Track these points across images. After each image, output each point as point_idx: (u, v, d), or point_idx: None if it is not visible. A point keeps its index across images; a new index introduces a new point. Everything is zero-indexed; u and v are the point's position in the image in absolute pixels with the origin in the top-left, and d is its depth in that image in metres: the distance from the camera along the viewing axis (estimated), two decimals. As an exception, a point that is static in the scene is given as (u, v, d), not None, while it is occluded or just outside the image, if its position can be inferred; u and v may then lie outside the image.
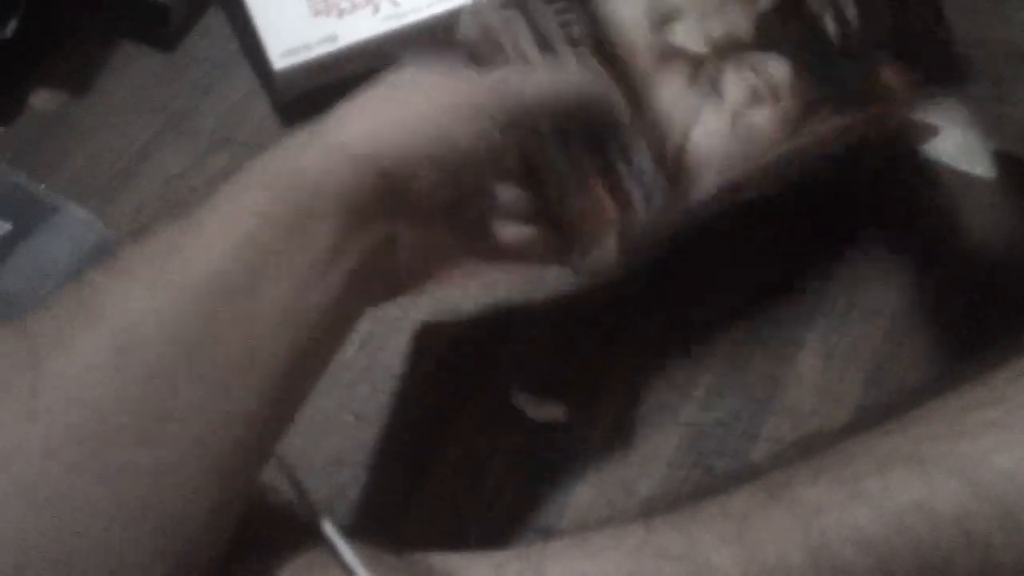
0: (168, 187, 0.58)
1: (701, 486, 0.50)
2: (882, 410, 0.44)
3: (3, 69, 0.61)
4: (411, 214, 0.41)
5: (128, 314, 0.33)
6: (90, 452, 0.32)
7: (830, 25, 0.49)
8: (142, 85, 0.62)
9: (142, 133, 0.60)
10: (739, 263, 0.56)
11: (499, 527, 0.49)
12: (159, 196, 0.58)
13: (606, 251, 0.49)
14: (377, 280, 0.41)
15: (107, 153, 0.59)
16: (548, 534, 0.49)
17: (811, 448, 0.43)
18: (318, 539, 0.38)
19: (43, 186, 0.57)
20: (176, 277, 0.35)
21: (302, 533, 0.38)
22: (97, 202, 0.57)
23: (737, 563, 0.39)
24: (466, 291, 0.55)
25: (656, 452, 0.51)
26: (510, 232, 0.49)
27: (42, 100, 0.61)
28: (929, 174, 0.59)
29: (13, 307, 0.52)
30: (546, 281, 0.55)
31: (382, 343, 0.54)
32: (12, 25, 0.60)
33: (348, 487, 0.50)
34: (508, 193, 0.49)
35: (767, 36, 0.49)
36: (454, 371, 0.53)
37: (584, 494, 0.50)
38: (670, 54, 0.48)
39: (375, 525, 0.49)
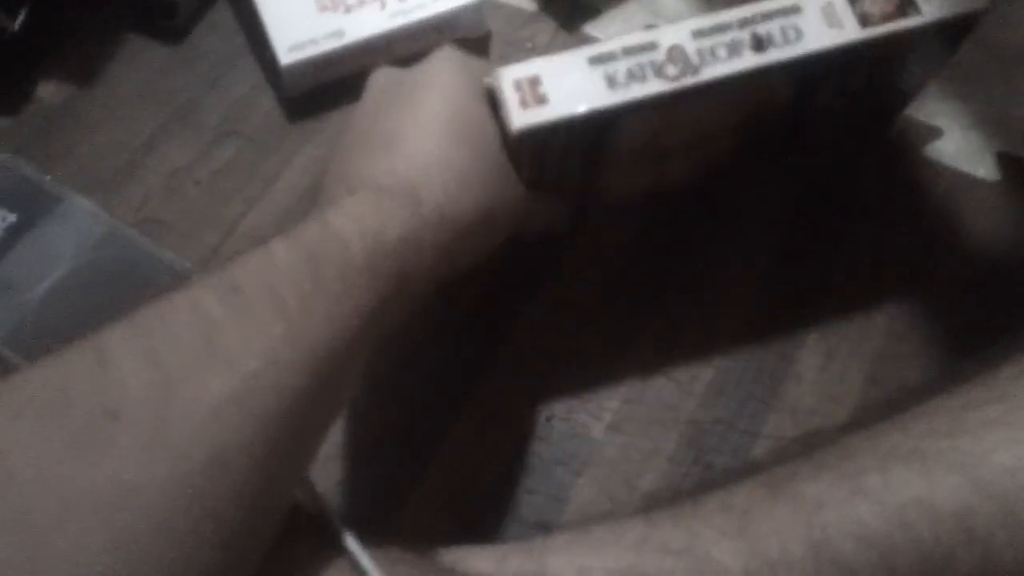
0: (173, 179, 0.59)
1: (702, 482, 0.50)
2: (883, 408, 0.44)
3: (11, 61, 0.61)
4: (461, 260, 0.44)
5: (251, 362, 0.34)
6: (208, 489, 0.33)
7: None
8: (149, 78, 0.62)
9: (148, 125, 0.60)
10: (739, 263, 0.56)
11: (499, 522, 0.49)
12: (164, 188, 0.58)
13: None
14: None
15: (113, 145, 0.59)
16: (548, 529, 0.49)
17: (812, 445, 0.43)
18: (338, 551, 0.38)
19: (49, 177, 0.57)
20: (296, 334, 0.36)
21: (321, 545, 0.38)
22: (103, 193, 0.57)
23: (738, 557, 0.39)
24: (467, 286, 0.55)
25: (657, 448, 0.51)
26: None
27: (49, 92, 0.61)
28: (931, 175, 0.59)
29: (16, 297, 0.52)
30: (545, 280, 0.55)
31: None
32: (20, 18, 0.60)
33: (347, 481, 0.50)
34: None
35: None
36: (453, 368, 0.53)
37: (585, 489, 0.50)
38: None
39: (374, 519, 0.49)
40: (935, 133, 0.60)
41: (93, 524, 0.31)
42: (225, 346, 0.34)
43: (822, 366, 0.53)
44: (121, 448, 0.32)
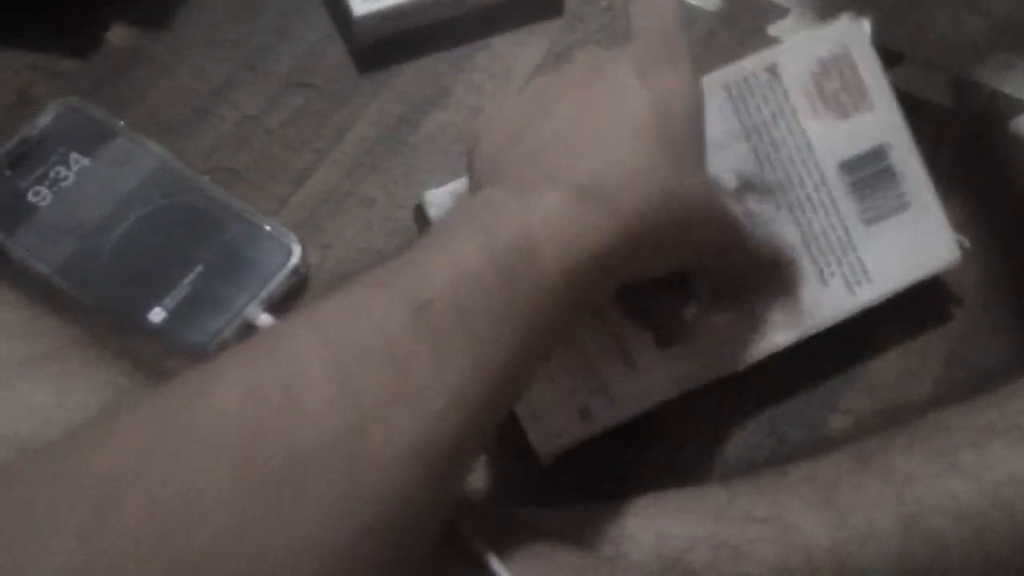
0: (243, 128, 0.58)
1: (776, 454, 0.49)
2: (968, 385, 0.43)
3: (81, 3, 0.61)
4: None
5: (439, 399, 0.31)
6: (389, 543, 0.30)
7: None
8: (219, 24, 0.62)
9: (218, 72, 0.60)
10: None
11: (568, 489, 0.49)
12: (234, 136, 0.58)
13: None
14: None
15: (183, 91, 0.59)
16: (621, 496, 0.48)
17: (897, 420, 0.43)
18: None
19: (122, 122, 0.56)
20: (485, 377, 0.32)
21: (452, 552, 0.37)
22: (172, 140, 0.57)
23: (825, 529, 0.38)
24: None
25: (730, 419, 0.50)
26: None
27: (119, 36, 0.61)
28: (1016, 149, 0.58)
29: (88, 241, 0.52)
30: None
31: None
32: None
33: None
34: None
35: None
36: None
37: (656, 459, 0.49)
38: None
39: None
40: (1021, 107, 0.59)
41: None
42: (416, 380, 0.30)
43: (902, 342, 0.52)
44: (311, 499, 0.28)
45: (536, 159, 0.38)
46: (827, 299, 0.48)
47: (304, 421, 0.28)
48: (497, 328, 0.32)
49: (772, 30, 0.62)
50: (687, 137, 0.40)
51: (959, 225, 0.51)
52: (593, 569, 0.36)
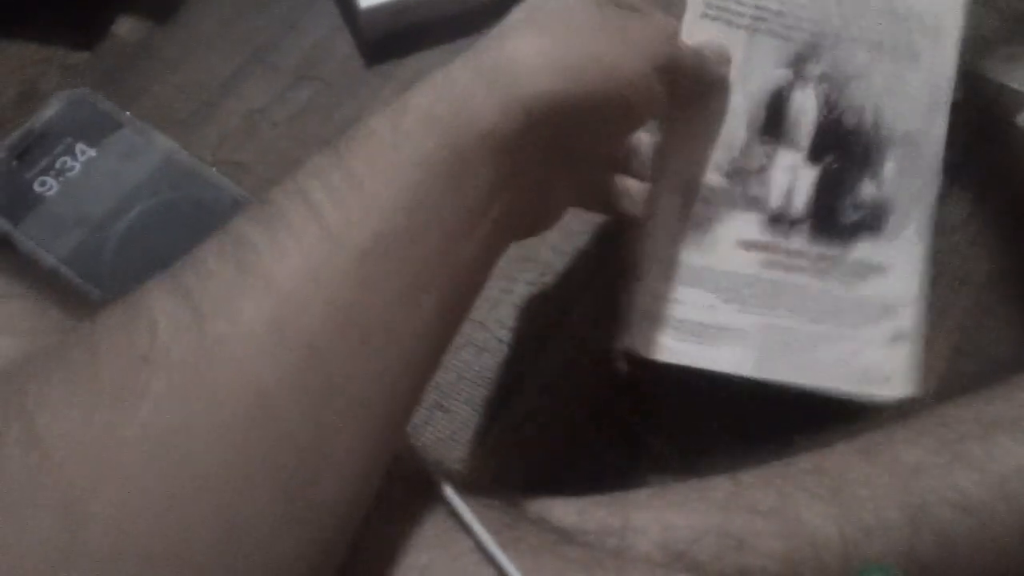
0: (250, 121, 0.58)
1: (779, 447, 0.49)
2: (976, 377, 0.43)
3: (89, -4, 0.61)
4: (562, 160, 0.39)
5: (288, 281, 0.31)
6: (253, 432, 0.29)
7: None
8: (226, 17, 0.62)
9: (225, 65, 0.60)
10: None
11: (571, 476, 0.49)
12: (241, 129, 0.58)
13: None
14: (522, 219, 0.39)
15: (190, 84, 0.59)
16: (623, 487, 0.48)
17: (905, 413, 0.43)
18: (433, 497, 0.37)
19: (128, 113, 0.56)
20: (336, 239, 0.32)
21: (415, 489, 0.37)
22: (179, 133, 0.57)
23: (832, 521, 0.38)
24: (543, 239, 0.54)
25: (733, 411, 0.50)
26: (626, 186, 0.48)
27: (126, 29, 0.61)
28: (1022, 142, 0.58)
29: (95, 232, 0.52)
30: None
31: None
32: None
33: (422, 428, 0.49)
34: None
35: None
36: (533, 319, 0.53)
37: (660, 452, 0.49)
38: None
39: (449, 462, 0.49)
40: (1028, 101, 0.59)
41: (131, 484, 0.28)
42: (259, 268, 0.31)
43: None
44: (155, 394, 0.28)
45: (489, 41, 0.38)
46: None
47: (140, 328, 0.30)
48: (350, 197, 0.32)
49: None
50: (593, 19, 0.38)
51: (964, 222, 0.51)
52: (600, 563, 0.36)
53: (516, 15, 0.38)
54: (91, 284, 0.51)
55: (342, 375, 0.31)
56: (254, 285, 0.30)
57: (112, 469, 0.28)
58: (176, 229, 0.53)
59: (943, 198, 0.55)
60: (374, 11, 0.59)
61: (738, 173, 0.46)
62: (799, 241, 0.47)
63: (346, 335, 0.31)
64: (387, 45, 0.60)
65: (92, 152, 0.55)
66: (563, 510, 0.41)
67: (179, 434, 0.28)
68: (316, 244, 0.31)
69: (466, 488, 0.38)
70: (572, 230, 0.55)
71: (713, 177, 0.46)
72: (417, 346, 0.34)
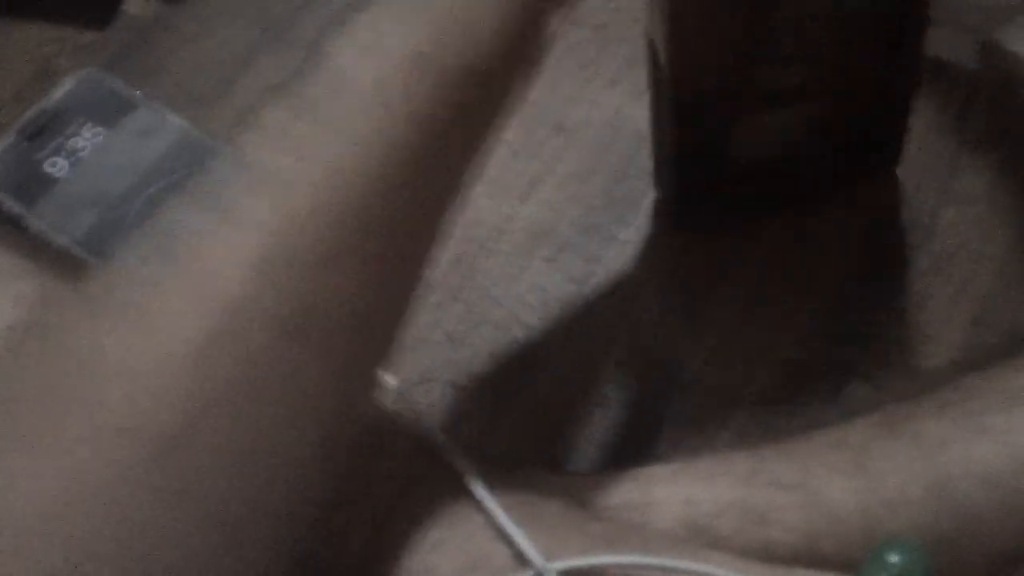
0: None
1: (797, 423, 0.49)
2: (998, 349, 0.43)
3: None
4: None
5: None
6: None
7: None
8: (240, -8, 0.61)
9: (241, 41, 0.59)
10: (838, 203, 0.54)
11: (587, 454, 0.49)
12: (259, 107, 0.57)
13: None
14: None
15: (206, 61, 0.59)
16: (641, 461, 0.48)
17: (925, 385, 0.42)
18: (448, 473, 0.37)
19: (139, 93, 0.56)
20: None
21: (445, 485, 0.37)
22: (194, 111, 0.56)
23: (854, 494, 0.38)
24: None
25: (750, 385, 0.50)
26: None
27: (137, 5, 0.60)
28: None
29: (108, 213, 0.52)
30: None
31: (473, 264, 0.53)
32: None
33: (437, 404, 0.49)
34: None
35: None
36: (548, 298, 0.52)
37: (677, 425, 0.49)
38: None
39: (463, 441, 0.49)
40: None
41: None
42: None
43: (926, 306, 0.51)
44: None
45: None
46: None
47: None
48: None
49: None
50: None
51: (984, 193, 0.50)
52: (624, 538, 0.36)
53: None
54: (86, 252, 0.51)
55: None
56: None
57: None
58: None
59: (963, 169, 0.55)
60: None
61: None
62: None
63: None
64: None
65: (105, 132, 0.54)
66: (583, 485, 0.41)
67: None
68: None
69: (482, 465, 0.39)
70: (592, 205, 0.54)
71: None
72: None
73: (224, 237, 0.30)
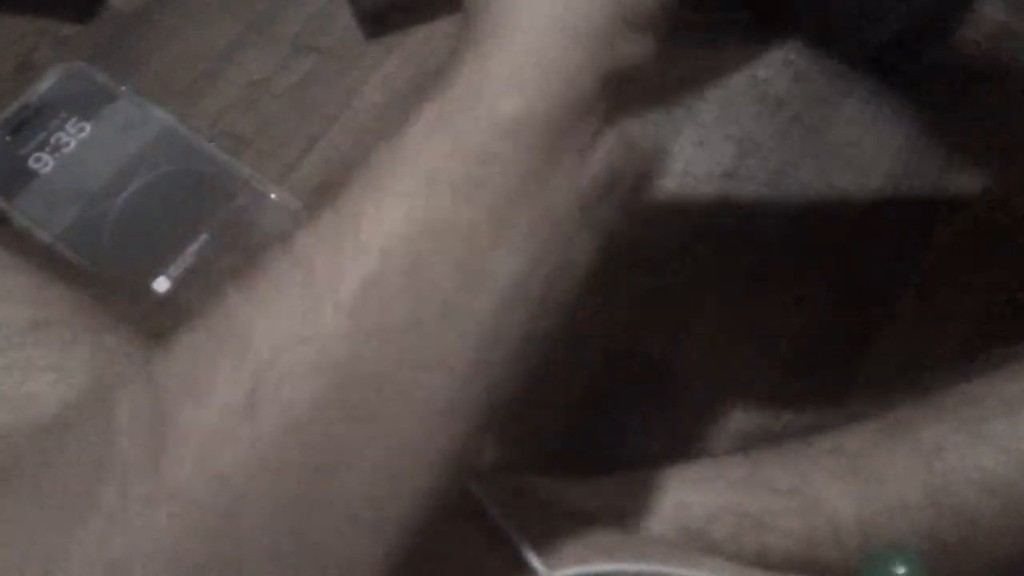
0: (251, 92, 0.57)
1: (791, 425, 0.48)
2: (996, 354, 0.42)
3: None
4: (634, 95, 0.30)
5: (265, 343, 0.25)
6: (226, 540, 0.25)
7: None
8: (223, -14, 0.60)
9: (225, 35, 0.58)
10: (835, 200, 0.54)
11: (583, 457, 0.48)
12: (242, 100, 0.56)
13: None
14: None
15: (189, 55, 0.58)
16: (633, 465, 0.47)
17: (923, 392, 0.42)
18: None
19: (124, 87, 0.55)
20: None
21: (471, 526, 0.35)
22: (179, 104, 0.55)
23: (851, 500, 0.37)
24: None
25: (748, 390, 0.50)
26: None
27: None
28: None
29: (93, 207, 0.51)
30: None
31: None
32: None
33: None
34: None
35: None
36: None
37: (675, 431, 0.48)
38: None
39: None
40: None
41: None
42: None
43: (922, 316, 0.51)
44: (107, 505, 0.24)
45: None
46: None
47: None
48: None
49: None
50: None
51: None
52: (623, 546, 0.35)
53: None
54: (87, 260, 0.50)
55: (344, 450, 0.25)
56: (229, 353, 0.25)
57: None
58: (174, 205, 0.52)
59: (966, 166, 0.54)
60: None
61: None
62: None
63: (340, 402, 0.25)
64: (386, 16, 0.59)
65: (88, 126, 0.53)
66: (576, 491, 0.40)
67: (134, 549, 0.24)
68: (299, 296, 0.26)
69: (474, 472, 0.38)
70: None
71: None
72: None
73: None
